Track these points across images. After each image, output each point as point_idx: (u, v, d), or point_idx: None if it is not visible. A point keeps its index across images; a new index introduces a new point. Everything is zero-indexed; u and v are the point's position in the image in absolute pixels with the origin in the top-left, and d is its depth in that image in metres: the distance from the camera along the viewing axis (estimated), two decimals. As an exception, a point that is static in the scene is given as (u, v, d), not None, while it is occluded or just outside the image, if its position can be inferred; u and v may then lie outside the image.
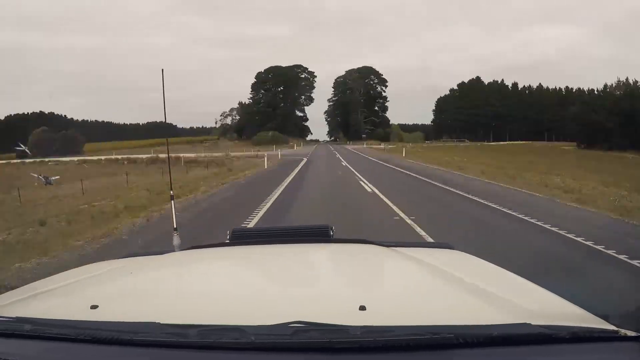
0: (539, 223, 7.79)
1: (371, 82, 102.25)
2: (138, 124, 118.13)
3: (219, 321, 0.88)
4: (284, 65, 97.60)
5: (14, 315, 0.95)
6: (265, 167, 25.43)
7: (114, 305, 1.07)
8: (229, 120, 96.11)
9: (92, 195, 13.96)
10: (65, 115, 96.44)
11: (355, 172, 19.78)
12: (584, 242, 6.35)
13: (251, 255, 1.64)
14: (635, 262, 5.23)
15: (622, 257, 5.48)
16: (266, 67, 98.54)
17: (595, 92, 68.46)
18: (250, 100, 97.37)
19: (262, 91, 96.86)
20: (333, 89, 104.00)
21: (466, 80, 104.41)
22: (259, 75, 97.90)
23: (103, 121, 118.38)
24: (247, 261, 1.59)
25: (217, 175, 19.58)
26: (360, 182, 15.47)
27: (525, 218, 8.30)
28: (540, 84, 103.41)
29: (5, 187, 16.86)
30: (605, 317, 0.94)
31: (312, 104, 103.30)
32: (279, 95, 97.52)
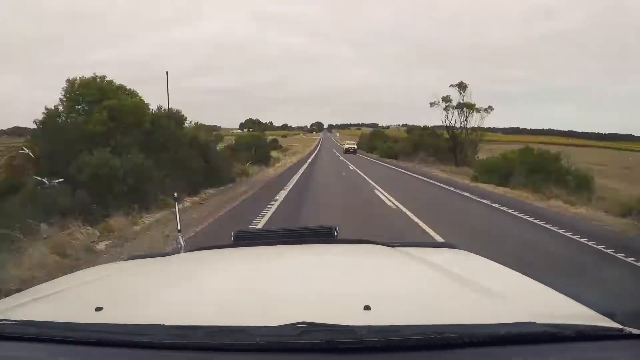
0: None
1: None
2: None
3: (225, 322, 0.88)
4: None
5: (19, 318, 0.96)
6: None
7: (119, 307, 1.07)
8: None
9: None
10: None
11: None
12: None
13: (255, 256, 1.64)
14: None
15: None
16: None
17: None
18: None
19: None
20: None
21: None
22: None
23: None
24: (251, 262, 1.59)
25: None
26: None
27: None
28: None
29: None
30: (611, 316, 0.93)
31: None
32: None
